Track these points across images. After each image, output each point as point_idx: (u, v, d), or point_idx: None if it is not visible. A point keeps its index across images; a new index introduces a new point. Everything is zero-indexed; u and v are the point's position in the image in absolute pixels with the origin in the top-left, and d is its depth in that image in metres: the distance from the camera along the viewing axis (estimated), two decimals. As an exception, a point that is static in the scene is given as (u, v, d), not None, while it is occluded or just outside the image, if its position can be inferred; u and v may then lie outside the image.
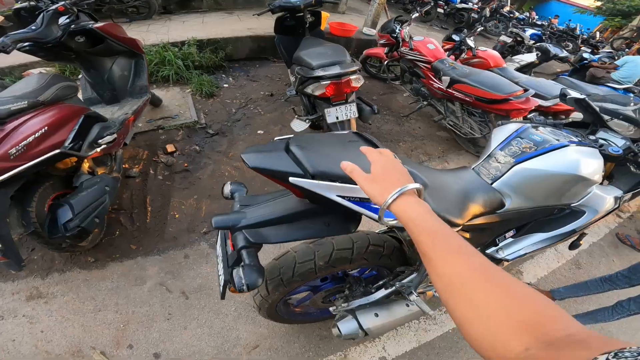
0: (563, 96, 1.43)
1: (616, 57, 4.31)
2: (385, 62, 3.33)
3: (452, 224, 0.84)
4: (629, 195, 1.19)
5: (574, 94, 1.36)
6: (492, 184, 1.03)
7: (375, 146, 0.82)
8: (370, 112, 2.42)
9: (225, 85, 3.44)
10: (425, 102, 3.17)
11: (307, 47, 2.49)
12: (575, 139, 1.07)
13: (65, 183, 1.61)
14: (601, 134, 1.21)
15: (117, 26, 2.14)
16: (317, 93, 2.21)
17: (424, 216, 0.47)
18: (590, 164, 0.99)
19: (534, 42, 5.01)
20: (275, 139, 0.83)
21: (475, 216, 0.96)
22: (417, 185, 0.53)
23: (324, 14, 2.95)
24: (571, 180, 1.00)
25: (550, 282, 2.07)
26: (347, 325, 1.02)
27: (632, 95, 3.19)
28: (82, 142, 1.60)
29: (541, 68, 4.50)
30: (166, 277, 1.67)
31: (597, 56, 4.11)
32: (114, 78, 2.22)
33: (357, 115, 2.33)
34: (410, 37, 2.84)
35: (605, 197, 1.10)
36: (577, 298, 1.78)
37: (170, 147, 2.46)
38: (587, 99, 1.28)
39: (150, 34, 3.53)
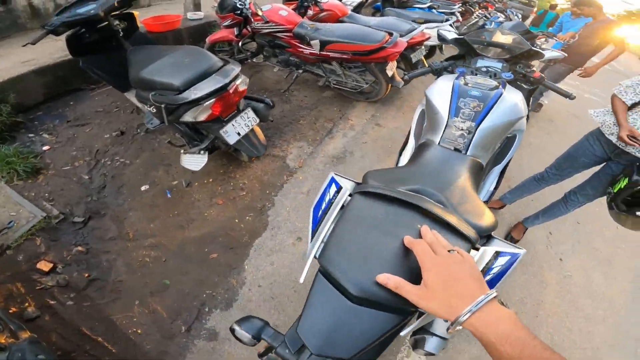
0: (440, 37, 1.57)
1: None
2: (239, 43, 2.89)
3: (489, 229, 0.79)
4: None
5: (450, 35, 1.52)
6: (466, 153, 1.05)
7: (397, 199, 0.66)
8: (266, 108, 2.10)
9: (45, 148, 2.32)
10: (300, 71, 3.00)
11: (146, 63, 1.84)
12: (496, 83, 1.18)
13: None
14: (480, 62, 1.39)
15: None
16: (201, 118, 1.73)
17: (508, 338, 0.39)
18: (522, 101, 1.11)
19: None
20: (301, 280, 0.58)
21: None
22: (494, 294, 0.44)
23: (135, 13, 2.20)
24: (517, 120, 1.11)
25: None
26: (432, 344, 0.93)
27: (435, 11, 3.84)
28: None
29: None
30: (197, 392, 1.31)
31: None
32: None
33: (257, 120, 2.00)
34: (260, 9, 2.48)
35: (523, 116, 1.30)
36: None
37: (44, 265, 1.62)
38: (465, 37, 1.44)
39: None
